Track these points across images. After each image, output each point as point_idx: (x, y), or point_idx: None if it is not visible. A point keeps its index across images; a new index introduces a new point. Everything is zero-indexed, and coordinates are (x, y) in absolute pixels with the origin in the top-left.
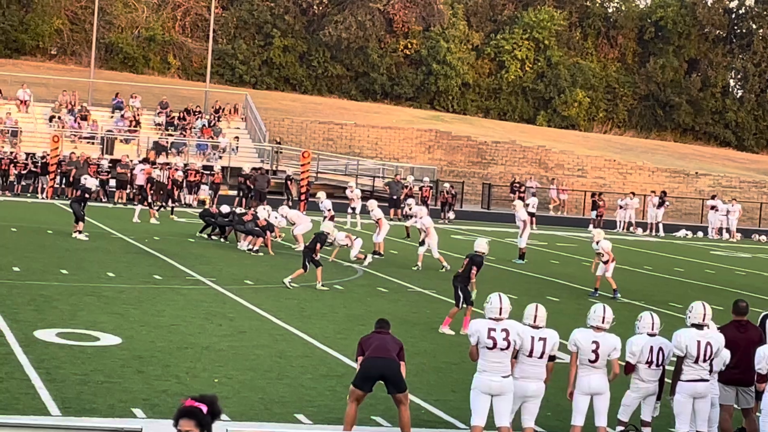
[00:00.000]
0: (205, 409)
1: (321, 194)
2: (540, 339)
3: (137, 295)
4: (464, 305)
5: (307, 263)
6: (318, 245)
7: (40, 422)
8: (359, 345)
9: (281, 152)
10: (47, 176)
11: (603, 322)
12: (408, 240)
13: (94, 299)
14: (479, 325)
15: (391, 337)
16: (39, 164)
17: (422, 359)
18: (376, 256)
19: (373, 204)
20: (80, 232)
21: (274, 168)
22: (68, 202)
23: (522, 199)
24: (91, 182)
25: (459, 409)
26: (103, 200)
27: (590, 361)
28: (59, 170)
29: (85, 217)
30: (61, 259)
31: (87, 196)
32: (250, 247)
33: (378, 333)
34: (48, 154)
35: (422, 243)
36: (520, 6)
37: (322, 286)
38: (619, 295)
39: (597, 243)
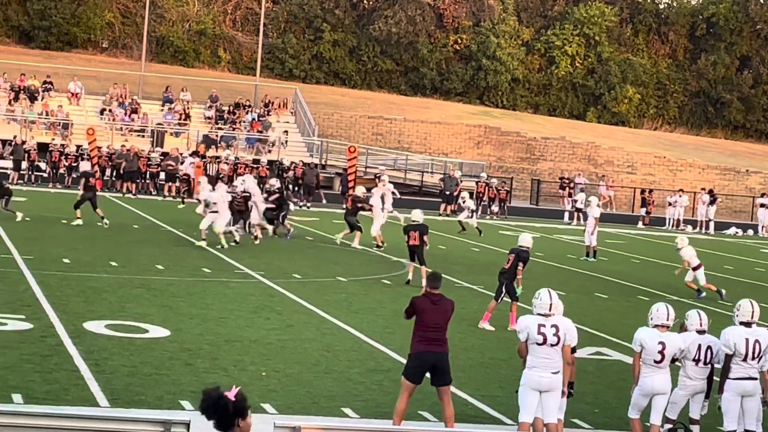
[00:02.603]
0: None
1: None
2: (552, 326)
3: (186, 288)
4: (510, 301)
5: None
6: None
7: (89, 413)
8: (411, 305)
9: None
10: (92, 169)
11: (667, 320)
12: (460, 234)
13: (143, 291)
14: (529, 321)
15: (445, 309)
16: (86, 155)
17: (469, 355)
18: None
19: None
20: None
21: (322, 162)
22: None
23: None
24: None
25: (506, 405)
26: (153, 193)
27: (655, 361)
28: (110, 163)
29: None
30: (110, 251)
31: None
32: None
33: (431, 297)
34: (100, 147)
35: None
36: (570, 2)
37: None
38: (703, 294)
39: (680, 250)
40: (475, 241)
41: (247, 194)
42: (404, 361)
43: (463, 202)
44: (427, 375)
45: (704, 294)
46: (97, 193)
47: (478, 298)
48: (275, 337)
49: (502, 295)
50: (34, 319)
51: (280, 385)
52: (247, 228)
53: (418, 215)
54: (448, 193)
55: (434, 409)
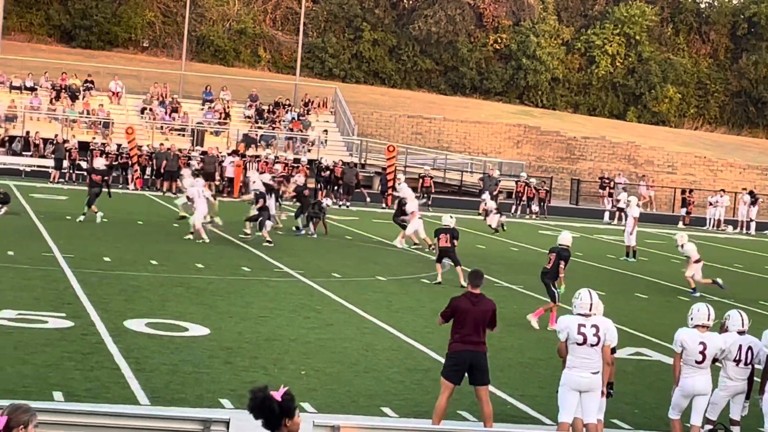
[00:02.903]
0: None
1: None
2: (592, 326)
3: (226, 287)
4: (551, 302)
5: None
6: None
7: (130, 411)
8: (449, 306)
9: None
10: (134, 167)
11: (708, 320)
12: (499, 234)
13: (183, 290)
14: (569, 321)
15: (484, 309)
16: (125, 155)
17: (509, 354)
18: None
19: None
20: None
21: (362, 162)
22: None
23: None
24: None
25: (545, 405)
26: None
27: (697, 362)
28: (151, 162)
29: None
30: (150, 250)
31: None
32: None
33: (471, 297)
34: (140, 146)
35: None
36: (611, 1)
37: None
38: (696, 295)
39: (681, 246)
40: (515, 241)
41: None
42: (443, 360)
43: (485, 204)
44: (467, 375)
45: (698, 294)
46: (102, 191)
47: (518, 298)
48: (315, 336)
49: (556, 295)
50: (74, 317)
51: (319, 383)
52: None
53: (447, 220)
54: (487, 192)
55: (473, 409)
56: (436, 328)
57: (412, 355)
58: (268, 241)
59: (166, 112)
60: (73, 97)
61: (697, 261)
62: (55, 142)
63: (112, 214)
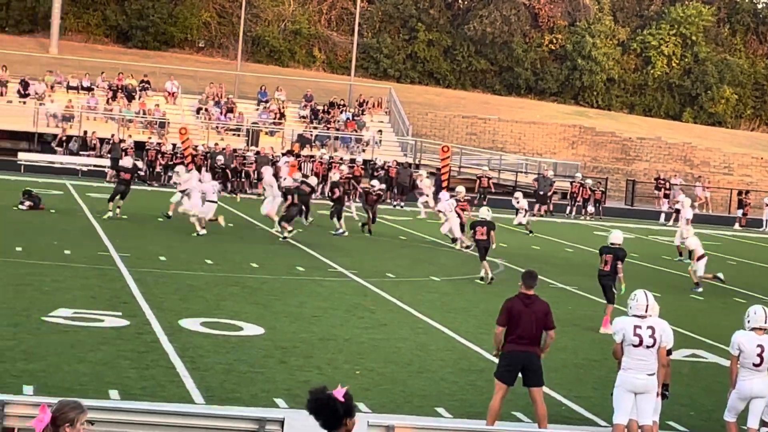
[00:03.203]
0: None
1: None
2: (648, 327)
3: (280, 286)
4: (606, 303)
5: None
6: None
7: (185, 410)
8: (504, 310)
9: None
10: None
11: (765, 323)
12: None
13: (238, 289)
14: (625, 322)
15: (537, 310)
16: (179, 155)
17: (563, 355)
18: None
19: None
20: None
21: (416, 162)
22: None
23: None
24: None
25: (600, 407)
26: (247, 191)
27: (754, 364)
28: (206, 162)
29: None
30: (205, 249)
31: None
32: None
33: (524, 298)
34: (196, 146)
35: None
36: (667, 1)
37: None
38: (700, 289)
39: (685, 239)
40: (570, 242)
41: (309, 186)
42: (497, 361)
43: (517, 202)
44: (520, 376)
45: (701, 289)
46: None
47: (572, 299)
48: (369, 336)
49: (614, 296)
50: (130, 316)
51: (373, 383)
52: (305, 218)
53: (484, 213)
54: (542, 193)
55: (527, 410)
56: (490, 329)
57: (466, 356)
58: (288, 232)
59: (221, 112)
60: (130, 97)
61: (701, 257)
62: (111, 141)
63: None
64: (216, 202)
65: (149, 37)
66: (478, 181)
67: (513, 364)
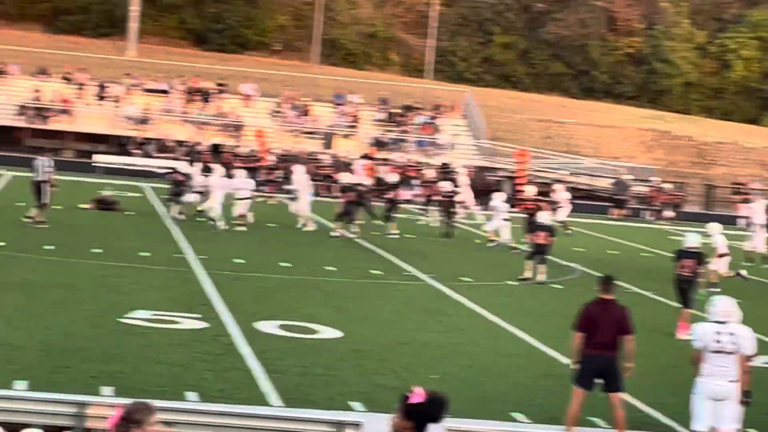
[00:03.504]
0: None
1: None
2: (728, 334)
3: (356, 289)
4: (682, 308)
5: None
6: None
7: (262, 412)
8: (580, 316)
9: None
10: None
11: None
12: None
13: (314, 292)
14: (705, 328)
15: (615, 315)
16: (255, 158)
17: (641, 361)
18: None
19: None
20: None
21: (492, 165)
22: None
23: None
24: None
25: (679, 413)
26: (322, 195)
27: None
28: (281, 165)
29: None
30: (281, 252)
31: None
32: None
33: (601, 304)
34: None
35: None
36: (746, 5)
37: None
38: (716, 290)
39: (710, 237)
40: (646, 246)
41: (362, 187)
42: (576, 366)
43: (556, 194)
44: (599, 381)
45: (719, 289)
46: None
47: (650, 304)
48: (445, 340)
49: (690, 301)
50: (207, 318)
51: (450, 388)
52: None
53: (545, 217)
54: (618, 197)
55: (606, 416)
56: (567, 334)
57: (544, 360)
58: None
59: (297, 115)
60: (206, 100)
61: (722, 255)
62: (187, 144)
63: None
64: (249, 199)
65: (226, 40)
66: (553, 185)
67: (591, 370)
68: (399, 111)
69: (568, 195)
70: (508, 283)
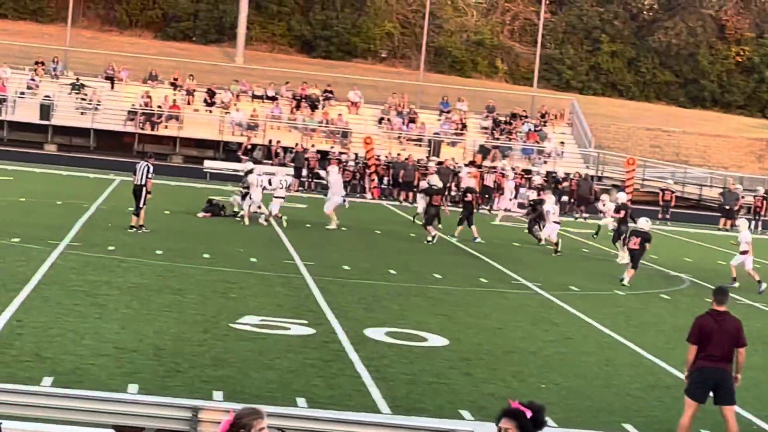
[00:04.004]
0: (529, 414)
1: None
2: None
3: (463, 297)
4: None
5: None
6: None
7: (372, 420)
8: (695, 328)
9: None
10: (371, 177)
11: None
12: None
13: (422, 300)
14: None
15: (729, 328)
16: (362, 165)
17: (754, 374)
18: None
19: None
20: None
21: (598, 174)
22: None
23: None
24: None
25: None
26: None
27: None
28: (388, 171)
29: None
30: (388, 259)
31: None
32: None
33: (715, 315)
34: (378, 156)
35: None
36: None
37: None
38: (736, 284)
39: (739, 231)
40: (757, 257)
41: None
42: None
43: (603, 204)
44: (711, 393)
45: (737, 284)
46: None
47: (761, 316)
48: (553, 350)
49: None
50: (316, 325)
51: (559, 398)
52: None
53: (643, 223)
54: (727, 207)
55: (717, 428)
56: (678, 345)
57: (653, 371)
58: (431, 237)
59: (403, 122)
60: (313, 107)
61: (744, 252)
62: (294, 151)
63: (350, 223)
64: (283, 198)
65: (333, 47)
66: (660, 194)
67: (704, 382)
68: (505, 119)
69: (612, 205)
70: (617, 293)
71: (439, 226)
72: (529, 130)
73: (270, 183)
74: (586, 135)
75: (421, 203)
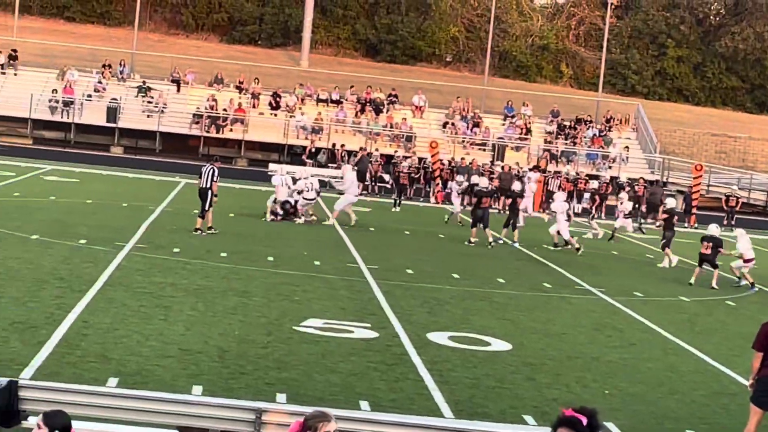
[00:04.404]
0: (584, 421)
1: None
2: None
3: (527, 302)
4: None
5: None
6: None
7: (435, 424)
8: (761, 334)
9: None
10: (435, 181)
11: None
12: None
13: (485, 304)
14: None
15: None
16: (428, 169)
17: None
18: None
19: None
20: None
21: (664, 179)
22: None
23: None
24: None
25: None
26: (493, 206)
27: None
28: (452, 176)
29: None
30: (451, 263)
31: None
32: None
33: None
34: (442, 160)
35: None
36: None
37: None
38: (744, 283)
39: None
40: None
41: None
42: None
43: (621, 203)
44: None
45: (744, 283)
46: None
47: None
48: (617, 355)
49: None
50: (379, 328)
51: (623, 404)
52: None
53: (714, 229)
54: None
55: None
56: (743, 352)
57: (718, 378)
58: (494, 239)
59: (467, 127)
60: (377, 111)
61: (748, 260)
62: (359, 154)
63: (415, 227)
64: (314, 200)
65: (398, 51)
66: (725, 200)
67: None
68: (569, 123)
69: (629, 205)
70: (681, 299)
71: (504, 230)
72: (594, 135)
73: (294, 182)
74: (651, 140)
75: (456, 203)
